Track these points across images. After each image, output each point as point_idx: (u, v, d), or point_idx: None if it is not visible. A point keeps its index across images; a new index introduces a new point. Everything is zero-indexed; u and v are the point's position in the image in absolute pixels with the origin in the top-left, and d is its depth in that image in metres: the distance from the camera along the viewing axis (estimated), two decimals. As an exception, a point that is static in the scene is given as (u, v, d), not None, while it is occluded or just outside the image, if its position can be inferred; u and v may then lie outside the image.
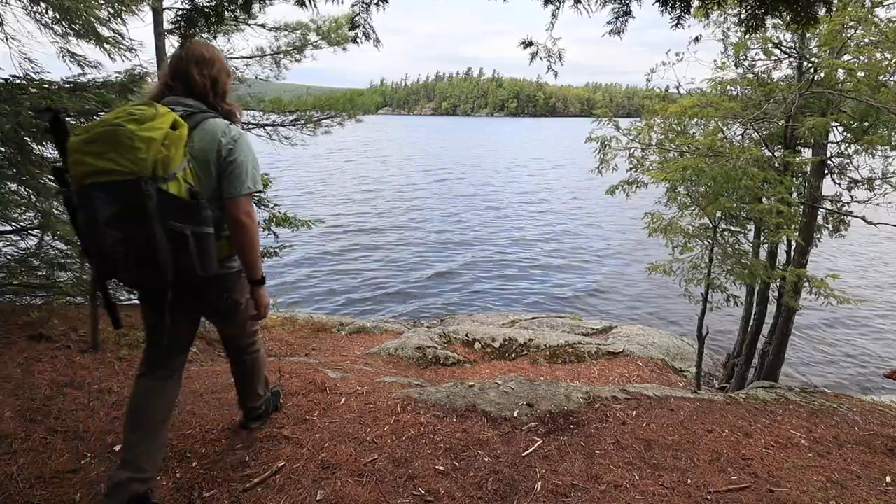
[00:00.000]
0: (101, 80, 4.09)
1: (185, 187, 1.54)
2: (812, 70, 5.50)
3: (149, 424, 1.70)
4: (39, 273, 4.61)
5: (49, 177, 4.16)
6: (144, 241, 1.45)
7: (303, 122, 6.04)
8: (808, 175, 6.12)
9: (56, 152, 1.64)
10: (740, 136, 6.26)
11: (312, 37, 5.89)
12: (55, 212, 4.06)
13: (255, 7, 3.10)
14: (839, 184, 6.17)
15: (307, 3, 2.75)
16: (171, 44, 5.43)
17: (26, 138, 3.34)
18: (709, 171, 4.99)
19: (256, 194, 1.66)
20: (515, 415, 2.45)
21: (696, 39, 4.23)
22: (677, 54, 6.02)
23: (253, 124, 6.03)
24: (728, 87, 6.37)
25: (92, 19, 3.93)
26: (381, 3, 2.84)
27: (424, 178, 28.49)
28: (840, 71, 5.32)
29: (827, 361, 8.46)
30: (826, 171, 6.03)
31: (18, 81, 3.32)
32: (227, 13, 2.92)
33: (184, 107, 1.66)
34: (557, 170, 34.36)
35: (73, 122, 3.99)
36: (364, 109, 6.25)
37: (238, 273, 1.81)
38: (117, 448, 1.97)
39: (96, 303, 1.71)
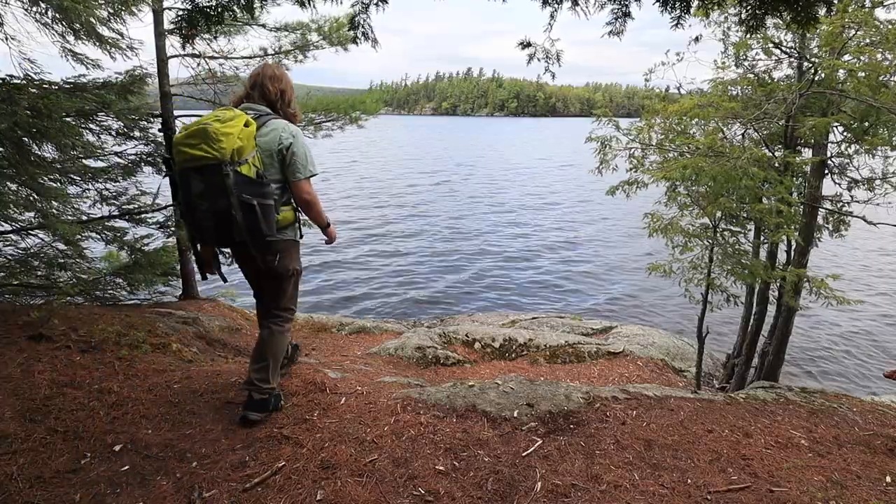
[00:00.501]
0: (101, 80, 4.09)
1: (254, 170, 2.06)
2: (812, 70, 5.50)
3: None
4: (39, 273, 4.62)
5: (48, 176, 4.17)
6: (225, 208, 1.97)
7: (303, 124, 6.04)
8: (808, 175, 6.12)
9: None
10: (740, 136, 6.26)
11: (314, 37, 5.89)
12: (55, 212, 4.07)
13: (258, 6, 3.11)
14: (839, 184, 6.16)
15: (306, 3, 2.76)
16: (171, 44, 5.44)
17: (24, 138, 3.33)
18: (709, 170, 4.99)
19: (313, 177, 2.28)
20: (515, 415, 2.45)
21: (697, 39, 4.24)
22: (677, 54, 6.01)
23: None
24: (728, 88, 6.36)
25: (92, 20, 3.92)
26: (380, 3, 2.85)
27: (430, 180, 28.46)
28: (841, 71, 5.31)
29: (827, 361, 8.46)
30: (826, 171, 6.02)
31: (16, 81, 3.31)
32: (227, 13, 2.92)
33: (255, 111, 2.22)
34: (561, 171, 34.32)
35: (73, 122, 3.99)
36: (366, 113, 6.24)
37: (291, 242, 2.33)
38: (117, 448, 1.97)
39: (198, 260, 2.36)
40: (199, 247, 2.25)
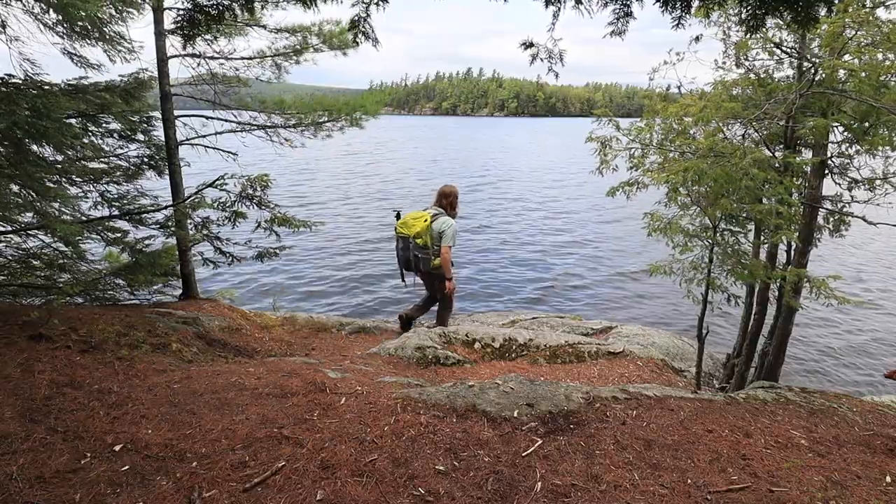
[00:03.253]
0: (104, 83, 4.09)
1: (425, 241, 4.79)
2: (813, 70, 5.49)
3: (423, 305, 5.42)
4: (40, 273, 4.62)
5: (49, 177, 4.16)
6: (411, 257, 4.87)
7: (303, 125, 6.03)
8: (808, 175, 6.11)
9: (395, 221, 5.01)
10: (741, 137, 6.24)
11: (314, 40, 5.88)
12: (55, 212, 4.07)
13: (258, 5, 3.10)
14: (839, 184, 6.15)
15: (309, 2, 2.75)
16: (171, 44, 5.44)
17: (25, 139, 3.33)
18: (710, 172, 4.97)
19: (450, 246, 4.91)
20: (515, 415, 2.44)
21: (697, 39, 4.23)
22: (678, 54, 5.99)
23: (254, 125, 6.02)
24: (729, 88, 6.34)
25: (94, 18, 3.92)
26: (381, 2, 2.84)
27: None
28: (841, 71, 5.29)
29: (827, 361, 8.45)
30: (826, 172, 6.01)
31: (15, 81, 3.31)
32: (228, 14, 2.91)
33: (437, 211, 4.93)
34: (566, 173, 34.21)
35: (74, 124, 3.99)
36: (366, 114, 6.21)
37: (441, 275, 4.89)
38: (117, 448, 1.97)
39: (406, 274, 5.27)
40: (403, 269, 5.03)
